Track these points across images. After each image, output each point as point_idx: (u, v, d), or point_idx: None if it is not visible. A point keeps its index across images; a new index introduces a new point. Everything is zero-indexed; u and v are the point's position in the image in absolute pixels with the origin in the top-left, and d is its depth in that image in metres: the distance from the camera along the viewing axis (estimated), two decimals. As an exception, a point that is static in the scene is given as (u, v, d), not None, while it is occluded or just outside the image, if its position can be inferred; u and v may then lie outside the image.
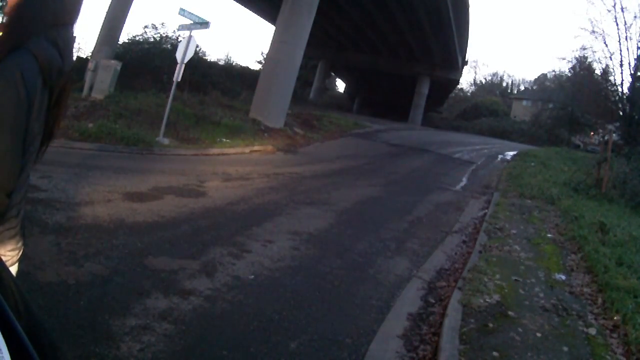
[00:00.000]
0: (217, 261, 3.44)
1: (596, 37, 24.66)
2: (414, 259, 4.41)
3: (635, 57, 16.75)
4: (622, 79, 17.74)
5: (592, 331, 3.13)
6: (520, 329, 2.99)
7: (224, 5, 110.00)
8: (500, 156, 17.68)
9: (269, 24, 31.38)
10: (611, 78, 19.06)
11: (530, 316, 3.22)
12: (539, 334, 2.96)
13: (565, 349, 2.83)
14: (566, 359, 2.73)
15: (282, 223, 4.75)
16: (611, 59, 18.32)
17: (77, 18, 1.18)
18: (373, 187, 7.73)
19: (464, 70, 36.63)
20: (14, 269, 1.19)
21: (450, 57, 30.64)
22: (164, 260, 3.28)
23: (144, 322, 2.44)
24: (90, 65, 10.85)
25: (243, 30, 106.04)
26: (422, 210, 6.59)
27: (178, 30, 10.15)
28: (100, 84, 10.43)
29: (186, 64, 8.52)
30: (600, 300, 3.71)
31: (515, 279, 3.96)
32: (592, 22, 29.80)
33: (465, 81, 60.58)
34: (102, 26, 14.73)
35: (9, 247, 1.15)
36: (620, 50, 17.22)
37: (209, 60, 21.21)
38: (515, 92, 58.46)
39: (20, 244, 1.18)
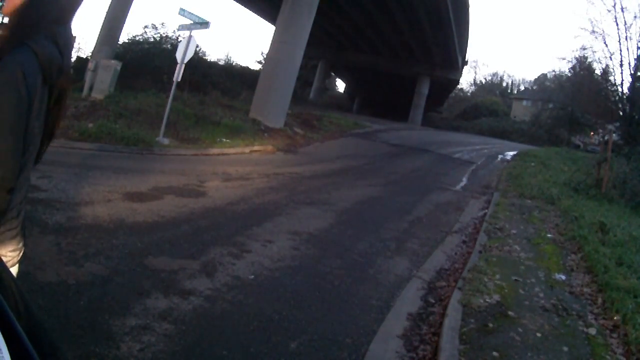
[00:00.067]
0: (217, 261, 3.44)
1: (596, 37, 24.65)
2: (414, 259, 4.41)
3: (635, 57, 16.75)
4: (622, 79, 17.75)
5: (592, 331, 3.13)
6: (520, 329, 2.99)
7: (224, 5, 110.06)
8: (500, 156, 17.69)
9: (269, 24, 31.38)
10: (611, 78, 19.07)
11: (530, 316, 3.22)
12: (539, 334, 2.96)
13: (565, 349, 2.83)
14: (566, 359, 2.73)
15: (282, 223, 4.75)
16: (611, 59, 18.34)
17: (74, 16, 1.18)
18: (373, 187, 7.73)
19: (464, 70, 36.66)
20: (14, 270, 1.19)
21: (450, 57, 30.63)
22: (164, 260, 3.28)
23: (144, 322, 2.44)
24: (90, 65, 10.85)
25: (243, 30, 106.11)
26: (422, 210, 6.59)
27: (178, 30, 10.15)
28: (100, 84, 10.43)
29: (186, 64, 8.52)
30: (600, 300, 3.71)
31: (515, 279, 3.96)
32: (592, 22, 29.76)
33: (465, 81, 60.65)
34: (102, 26, 14.73)
35: (10, 247, 1.15)
36: (620, 50, 17.23)
37: (209, 60, 21.25)
38: (515, 92, 58.45)
39: (21, 245, 1.19)
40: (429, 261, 4.42)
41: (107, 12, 14.79)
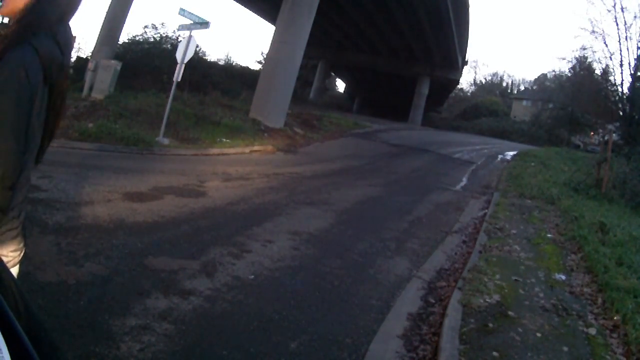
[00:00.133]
0: (217, 261, 3.44)
1: (596, 37, 24.69)
2: (414, 259, 4.41)
3: (635, 57, 16.76)
4: (622, 79, 17.77)
5: (592, 331, 3.13)
6: (520, 329, 2.99)
7: (224, 5, 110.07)
8: (500, 156, 17.69)
9: (269, 24, 31.39)
10: (611, 78, 19.09)
11: (530, 316, 3.22)
12: (539, 334, 2.96)
13: (565, 349, 2.83)
14: (566, 359, 2.73)
15: (282, 223, 4.75)
16: (611, 59, 18.36)
17: (74, 16, 1.19)
18: (373, 187, 7.73)
19: (464, 70, 36.68)
20: (15, 270, 1.19)
21: (450, 57, 30.64)
22: (164, 260, 3.28)
23: (144, 322, 2.44)
24: (90, 65, 10.85)
25: (243, 30, 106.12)
26: (422, 210, 6.59)
27: (178, 30, 10.15)
28: (100, 84, 10.44)
29: (186, 64, 8.52)
30: (600, 300, 3.71)
31: (515, 279, 3.96)
32: (592, 22, 29.79)
33: (465, 81, 60.64)
34: (102, 26, 14.74)
35: (11, 247, 1.15)
36: (620, 50, 17.24)
37: (209, 60, 21.21)
38: (515, 92, 58.44)
39: (22, 245, 1.18)
40: (429, 261, 4.42)
41: (107, 12, 14.80)
